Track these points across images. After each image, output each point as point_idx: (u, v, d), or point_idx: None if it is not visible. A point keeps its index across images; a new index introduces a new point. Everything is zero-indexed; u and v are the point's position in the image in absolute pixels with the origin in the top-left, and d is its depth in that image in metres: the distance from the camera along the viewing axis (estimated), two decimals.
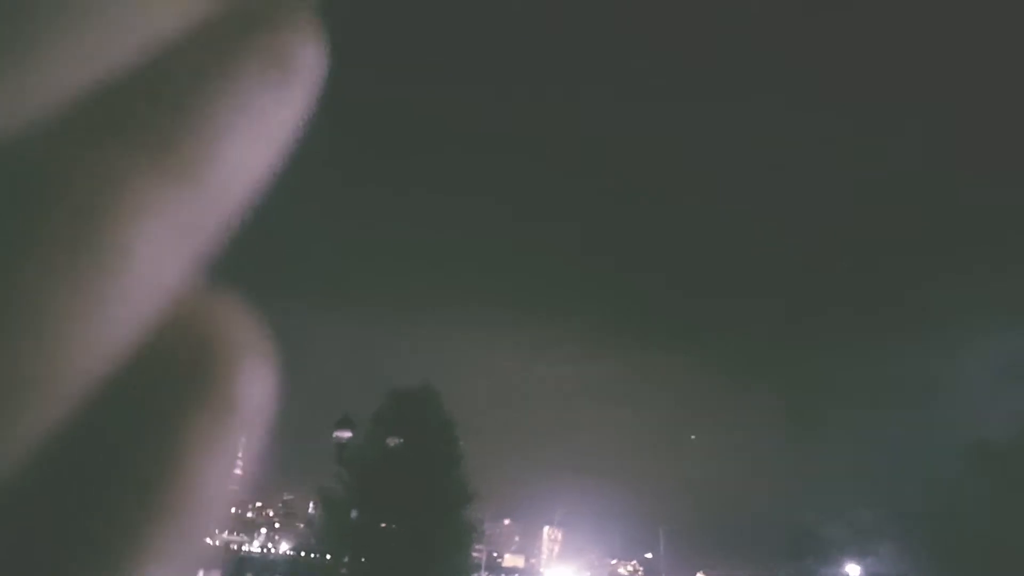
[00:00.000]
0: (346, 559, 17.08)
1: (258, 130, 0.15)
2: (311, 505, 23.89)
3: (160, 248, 0.13)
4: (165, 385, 0.13)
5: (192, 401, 0.13)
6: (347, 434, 15.98)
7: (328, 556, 19.55)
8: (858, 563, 26.07)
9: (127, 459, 0.12)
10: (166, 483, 0.12)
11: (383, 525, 18.35)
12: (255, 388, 0.13)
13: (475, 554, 19.79)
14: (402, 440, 16.97)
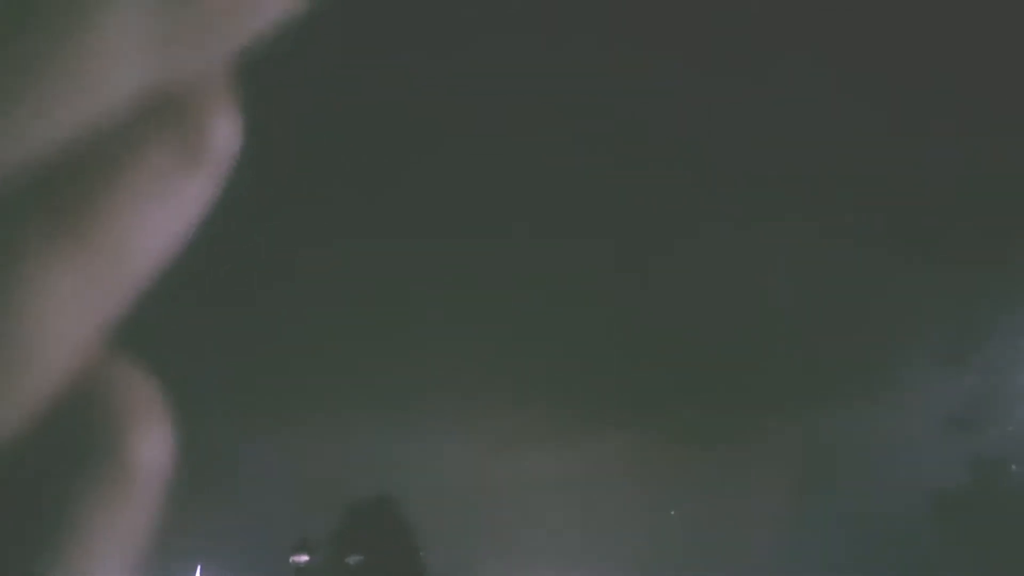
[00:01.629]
0: None
1: (167, 203, 0.15)
2: None
3: (64, 313, 0.13)
4: (60, 450, 0.13)
5: (87, 465, 0.13)
6: (304, 558, 15.46)
7: None
8: None
9: (23, 516, 0.12)
10: (61, 543, 0.12)
11: None
12: (151, 453, 0.13)
13: None
14: (362, 557, 16.44)
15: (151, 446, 0.14)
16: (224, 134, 0.16)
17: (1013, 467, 13.22)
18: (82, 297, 0.14)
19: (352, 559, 16.37)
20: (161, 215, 0.15)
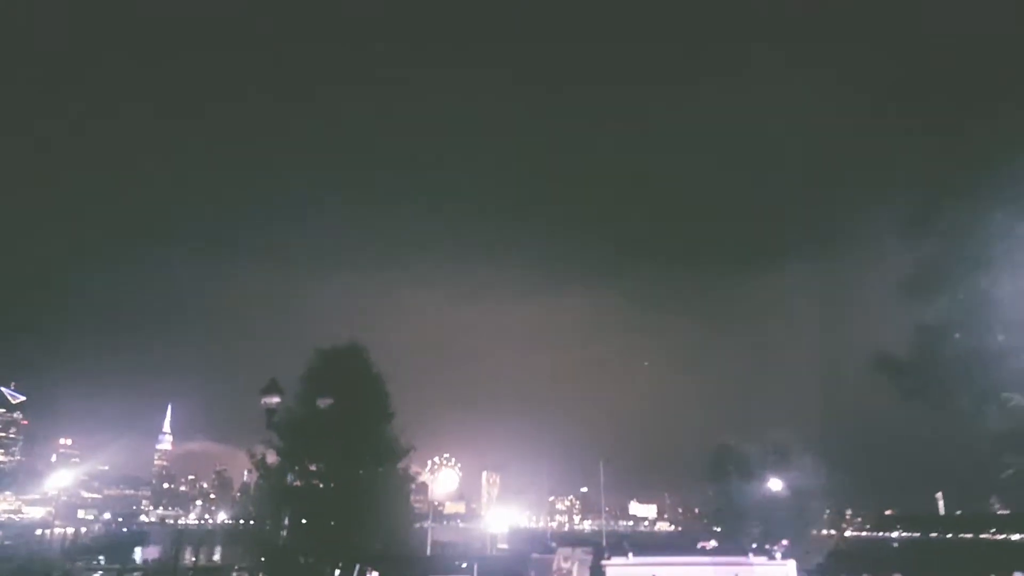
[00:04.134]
0: (285, 523, 17.10)
1: None
2: (245, 473, 23.53)
3: None
4: None
5: None
6: (275, 399, 15.84)
7: (267, 523, 19.48)
8: (780, 477, 27.48)
9: None
10: None
11: (320, 485, 18.34)
12: None
13: (416, 504, 20.05)
14: (332, 400, 16.88)
15: None
16: None
17: (957, 335, 13.62)
18: None
19: (322, 401, 16.87)
20: None
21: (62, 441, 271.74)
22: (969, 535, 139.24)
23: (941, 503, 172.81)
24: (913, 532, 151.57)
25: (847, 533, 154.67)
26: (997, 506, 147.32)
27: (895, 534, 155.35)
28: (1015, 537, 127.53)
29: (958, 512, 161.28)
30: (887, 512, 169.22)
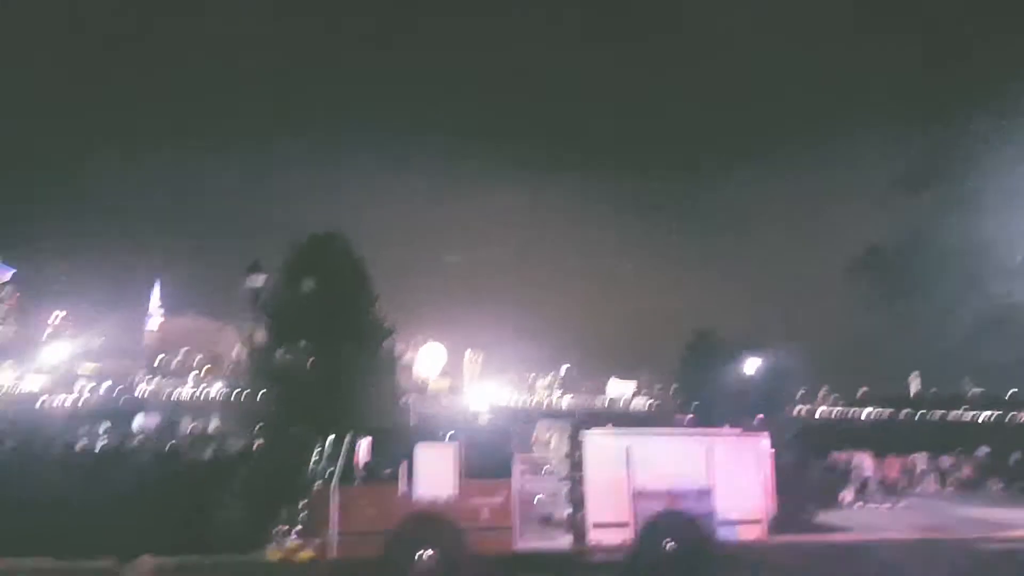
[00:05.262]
0: (275, 396, 17.72)
1: None
2: (235, 349, 24.19)
3: None
4: None
5: None
6: (259, 279, 16.07)
7: (258, 396, 20.17)
8: (755, 358, 28.25)
9: None
10: None
11: (307, 363, 18.94)
12: None
13: (402, 383, 20.74)
14: (314, 282, 17.17)
15: None
16: None
17: (943, 227, 13.72)
18: None
19: (305, 285, 17.12)
20: None
21: (55, 314, 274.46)
22: (941, 412, 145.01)
23: (915, 383, 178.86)
24: (885, 409, 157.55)
25: (820, 408, 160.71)
26: (971, 387, 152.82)
27: (867, 411, 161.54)
28: (983, 415, 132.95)
29: (932, 390, 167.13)
30: (862, 390, 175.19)
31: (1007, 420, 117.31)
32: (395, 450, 12.15)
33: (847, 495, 23.12)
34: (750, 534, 13.42)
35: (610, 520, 12.79)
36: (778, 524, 13.93)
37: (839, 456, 25.64)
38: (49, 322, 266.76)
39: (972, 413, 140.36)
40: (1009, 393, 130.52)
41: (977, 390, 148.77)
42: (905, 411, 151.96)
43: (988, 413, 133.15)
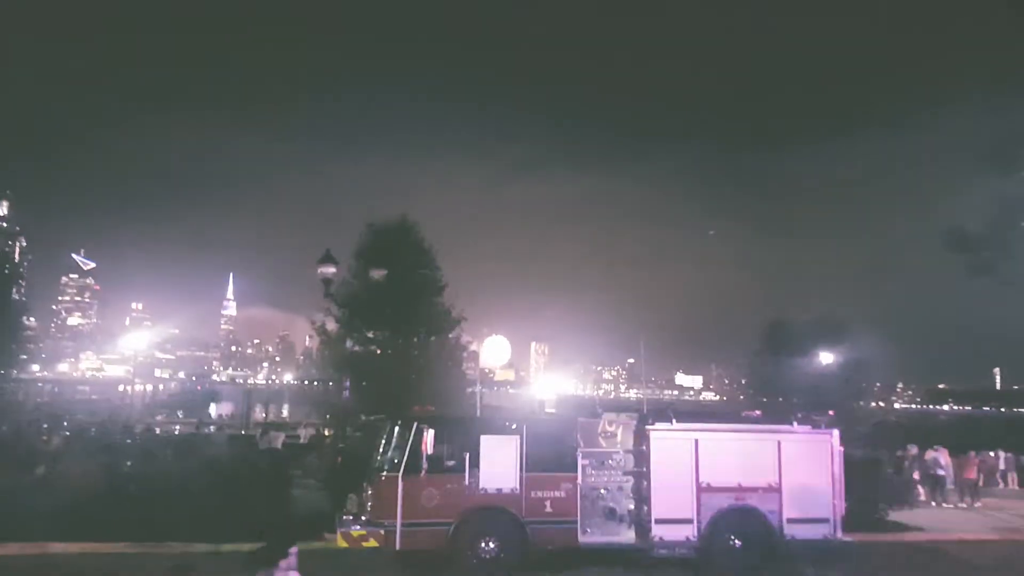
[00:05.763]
0: (347, 384, 18.07)
1: None
2: (307, 339, 24.71)
3: None
4: None
5: None
6: (331, 269, 16.36)
7: (330, 384, 20.62)
8: (831, 351, 27.42)
9: None
10: None
11: (377, 352, 19.27)
12: None
13: (468, 372, 20.91)
14: (385, 271, 17.40)
15: None
16: None
17: None
18: None
19: (375, 273, 17.39)
20: None
21: (133, 305, 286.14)
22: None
23: (998, 378, 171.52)
24: (965, 406, 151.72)
25: (896, 406, 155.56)
26: None
27: (946, 407, 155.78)
28: None
29: (1015, 387, 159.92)
30: (940, 386, 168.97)
31: None
32: (460, 441, 12.23)
33: (921, 494, 22.33)
34: (818, 532, 13.12)
35: (674, 516, 12.65)
36: (848, 522, 13.56)
37: (914, 453, 24.76)
38: (128, 313, 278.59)
39: None
40: None
41: None
42: (985, 407, 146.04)
43: None
